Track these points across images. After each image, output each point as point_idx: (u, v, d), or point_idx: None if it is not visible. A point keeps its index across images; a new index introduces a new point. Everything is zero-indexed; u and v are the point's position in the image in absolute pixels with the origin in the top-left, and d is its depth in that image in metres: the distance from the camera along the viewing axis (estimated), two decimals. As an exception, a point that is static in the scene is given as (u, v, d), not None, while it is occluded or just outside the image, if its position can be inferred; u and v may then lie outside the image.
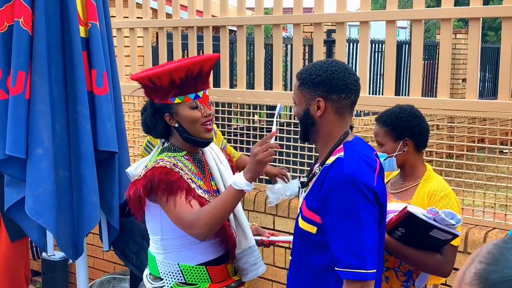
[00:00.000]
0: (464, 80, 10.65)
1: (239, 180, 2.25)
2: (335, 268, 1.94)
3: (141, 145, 5.03)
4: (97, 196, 3.22)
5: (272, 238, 2.68)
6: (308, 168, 4.08)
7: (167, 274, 2.43)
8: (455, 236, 2.24)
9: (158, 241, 2.44)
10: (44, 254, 4.13)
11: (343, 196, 1.91)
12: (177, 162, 2.38)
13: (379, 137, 2.53)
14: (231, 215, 2.48)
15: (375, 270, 1.92)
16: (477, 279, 0.75)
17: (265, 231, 2.71)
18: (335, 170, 1.97)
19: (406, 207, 2.23)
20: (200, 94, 2.40)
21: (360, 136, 2.51)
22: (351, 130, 2.11)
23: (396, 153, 2.48)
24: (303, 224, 2.08)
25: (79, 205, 3.20)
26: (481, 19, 3.33)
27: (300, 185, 2.19)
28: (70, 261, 3.87)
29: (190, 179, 2.37)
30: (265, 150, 2.22)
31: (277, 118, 2.56)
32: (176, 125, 2.42)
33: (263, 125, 4.50)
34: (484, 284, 0.73)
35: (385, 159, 2.46)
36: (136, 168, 2.51)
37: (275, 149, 2.27)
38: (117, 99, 3.42)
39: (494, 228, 3.28)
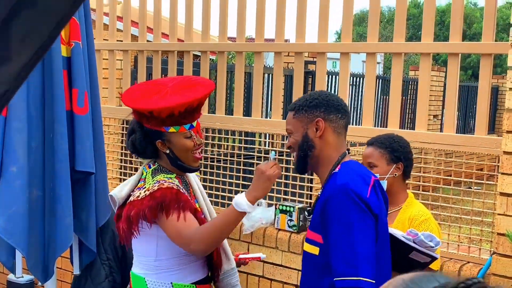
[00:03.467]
0: (435, 116, 10.84)
1: (241, 202, 2.28)
2: (334, 279, 1.93)
3: (117, 168, 4.96)
4: (71, 218, 3.15)
5: (242, 256, 2.75)
6: (289, 197, 4.08)
7: None
8: (434, 259, 2.27)
9: (151, 261, 2.46)
10: (10, 276, 4.01)
11: (336, 206, 1.95)
12: (174, 183, 2.42)
13: (372, 159, 2.59)
14: None
15: (371, 280, 1.88)
16: None
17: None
18: (329, 184, 2.02)
19: None
20: (194, 123, 2.44)
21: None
22: (348, 153, 2.15)
23: (387, 175, 2.55)
24: (307, 247, 2.10)
25: (52, 227, 3.13)
26: (459, 54, 3.41)
27: (306, 214, 2.22)
28: (39, 283, 3.77)
29: (189, 199, 2.44)
30: (272, 166, 2.29)
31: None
32: (168, 151, 2.45)
33: (241, 151, 4.49)
34: None
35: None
36: (121, 191, 2.50)
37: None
38: (97, 120, 3.39)
39: (469, 262, 3.30)
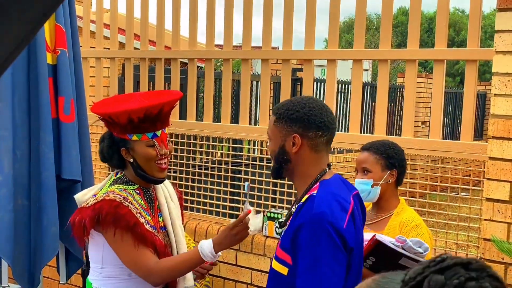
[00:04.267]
0: (423, 123, 10.90)
1: (206, 251, 2.32)
2: None
3: (105, 177, 4.94)
4: (57, 227, 3.13)
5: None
6: (277, 204, 4.08)
7: None
8: None
9: (98, 269, 2.44)
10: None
11: (308, 236, 1.85)
12: (127, 196, 2.38)
13: (367, 164, 2.60)
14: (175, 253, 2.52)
15: None
16: None
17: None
18: (305, 208, 1.92)
19: (374, 235, 2.26)
20: (158, 133, 2.40)
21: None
22: (329, 168, 2.06)
23: (381, 181, 2.56)
24: (275, 265, 2.00)
25: (37, 235, 3.12)
26: (445, 61, 3.43)
27: (278, 226, 2.16)
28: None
29: (139, 213, 2.38)
30: (243, 228, 2.32)
31: (248, 196, 2.59)
32: (131, 160, 2.43)
33: (228, 159, 4.49)
34: None
35: (372, 186, 2.54)
36: (84, 195, 2.50)
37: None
38: (84, 127, 3.38)
39: (456, 267, 3.31)
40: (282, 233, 2.06)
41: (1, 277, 3.36)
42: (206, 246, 2.33)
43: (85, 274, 3.50)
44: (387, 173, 2.58)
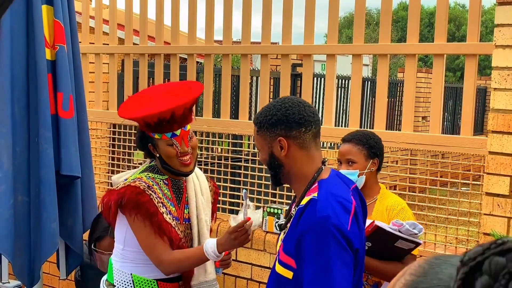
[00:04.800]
0: (424, 117, 10.88)
1: (210, 250, 2.40)
2: None
3: (105, 172, 4.94)
4: (56, 223, 3.13)
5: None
6: (277, 199, 4.07)
7: (119, 282, 2.56)
8: (417, 244, 2.45)
9: (120, 250, 2.58)
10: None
11: (315, 241, 1.82)
12: (152, 185, 2.50)
13: (351, 155, 2.69)
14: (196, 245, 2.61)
15: None
16: None
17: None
18: (308, 212, 1.88)
19: (373, 222, 2.39)
20: (178, 132, 2.48)
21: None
22: (324, 165, 2.03)
23: (366, 171, 2.68)
24: (279, 269, 1.97)
25: (37, 232, 3.12)
26: (445, 55, 3.42)
27: (278, 228, 2.17)
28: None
29: (162, 203, 2.49)
30: (242, 234, 2.38)
31: (246, 205, 2.60)
32: (158, 155, 2.55)
33: (228, 154, 4.48)
34: None
35: (358, 176, 2.64)
36: (120, 177, 2.64)
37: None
38: (83, 123, 3.37)
39: (456, 262, 3.31)
40: (284, 237, 2.03)
41: (1, 273, 3.36)
42: (210, 245, 2.41)
43: (79, 284, 3.51)
44: (370, 162, 2.69)
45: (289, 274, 1.93)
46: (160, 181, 2.55)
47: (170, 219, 2.50)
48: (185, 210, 2.60)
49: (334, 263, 1.80)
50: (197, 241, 2.60)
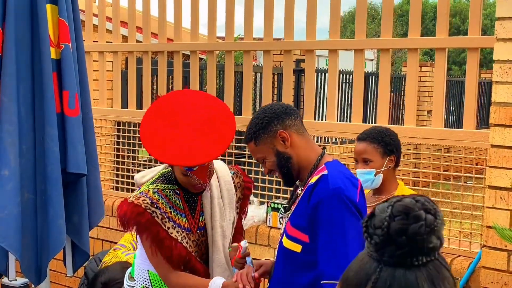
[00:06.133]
0: (429, 112, 10.87)
1: None
2: (321, 282, 1.95)
3: (110, 170, 4.98)
4: (63, 220, 3.15)
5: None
6: (281, 194, 4.09)
7: (138, 277, 2.64)
8: None
9: (139, 248, 2.62)
10: (4, 279, 4.02)
11: (330, 210, 1.96)
12: (158, 199, 2.45)
13: (367, 154, 2.65)
14: (211, 256, 2.56)
15: None
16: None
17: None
18: (321, 186, 2.02)
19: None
20: (195, 168, 2.38)
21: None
22: (325, 150, 2.18)
23: (383, 169, 2.64)
24: (287, 243, 2.09)
25: (44, 229, 3.14)
26: (446, 49, 3.43)
27: (282, 210, 2.22)
28: (32, 287, 3.77)
29: (168, 217, 2.45)
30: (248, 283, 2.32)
31: (247, 253, 2.47)
32: (172, 171, 2.55)
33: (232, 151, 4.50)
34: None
35: (375, 175, 2.61)
36: (143, 177, 2.61)
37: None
38: (89, 121, 3.39)
39: (459, 256, 3.33)
40: (291, 214, 2.14)
41: (9, 271, 3.39)
42: (216, 284, 2.36)
43: None
44: (386, 159, 2.65)
45: (297, 248, 2.05)
46: (170, 192, 2.51)
47: (178, 232, 2.46)
48: (201, 217, 2.57)
49: (348, 228, 1.95)
50: (212, 249, 2.56)
